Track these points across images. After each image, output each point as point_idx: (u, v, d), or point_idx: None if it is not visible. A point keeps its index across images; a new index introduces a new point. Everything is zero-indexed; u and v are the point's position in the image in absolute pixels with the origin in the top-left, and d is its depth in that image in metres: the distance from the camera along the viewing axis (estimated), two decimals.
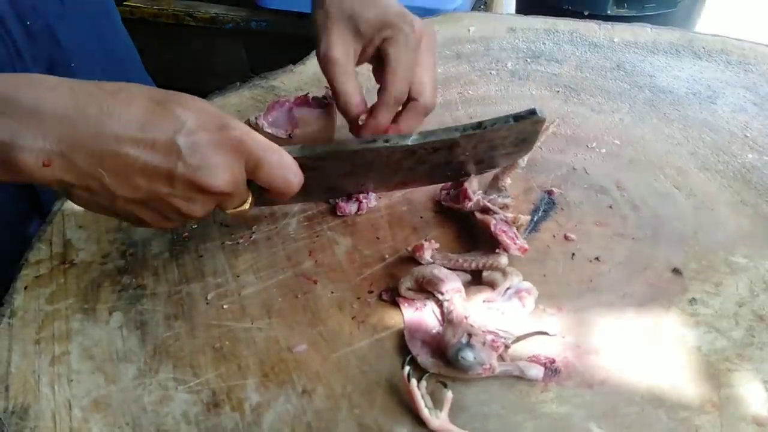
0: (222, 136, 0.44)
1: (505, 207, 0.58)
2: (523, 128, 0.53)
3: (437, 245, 0.55)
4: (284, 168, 0.48)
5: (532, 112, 0.52)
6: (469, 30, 0.85)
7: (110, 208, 0.45)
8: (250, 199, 0.49)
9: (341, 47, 0.55)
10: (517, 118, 0.51)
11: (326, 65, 0.55)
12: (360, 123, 0.56)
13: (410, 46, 0.55)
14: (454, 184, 0.60)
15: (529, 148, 0.57)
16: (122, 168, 0.42)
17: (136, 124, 0.42)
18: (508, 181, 0.60)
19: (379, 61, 0.57)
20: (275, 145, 0.47)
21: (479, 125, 0.51)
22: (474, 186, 0.58)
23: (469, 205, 0.57)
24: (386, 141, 0.51)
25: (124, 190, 0.44)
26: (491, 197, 0.58)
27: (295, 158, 0.49)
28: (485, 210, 0.56)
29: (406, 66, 0.55)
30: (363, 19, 0.55)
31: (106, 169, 0.42)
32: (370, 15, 0.55)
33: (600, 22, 0.85)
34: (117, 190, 0.43)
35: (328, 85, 0.58)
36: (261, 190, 0.49)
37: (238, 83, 0.78)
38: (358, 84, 0.56)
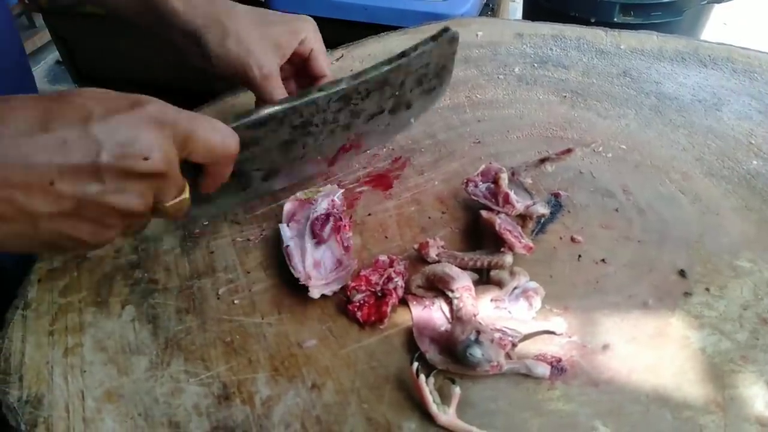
0: (139, 113, 0.39)
1: (542, 216, 0.59)
2: (442, 51, 0.60)
3: (443, 243, 0.56)
4: (217, 131, 0.43)
5: (445, 30, 0.59)
6: (477, 35, 0.86)
7: (34, 236, 0.38)
8: (186, 187, 0.44)
9: (274, 64, 0.59)
10: (435, 37, 0.58)
11: (264, 83, 0.59)
12: None
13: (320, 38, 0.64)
14: (485, 178, 0.60)
15: (448, 77, 0.64)
16: (35, 179, 0.35)
17: (37, 125, 0.36)
18: (528, 180, 0.61)
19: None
20: (200, 114, 0.43)
21: (402, 54, 0.56)
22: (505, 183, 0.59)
23: (512, 212, 0.57)
24: (320, 90, 0.52)
25: (46, 204, 0.36)
26: (529, 205, 0.58)
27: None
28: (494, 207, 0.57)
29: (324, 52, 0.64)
30: (280, 37, 0.60)
31: (16, 186, 0.35)
32: (279, 31, 0.60)
33: (607, 29, 0.85)
34: (37, 207, 0.36)
35: None
36: (195, 176, 0.45)
37: None
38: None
